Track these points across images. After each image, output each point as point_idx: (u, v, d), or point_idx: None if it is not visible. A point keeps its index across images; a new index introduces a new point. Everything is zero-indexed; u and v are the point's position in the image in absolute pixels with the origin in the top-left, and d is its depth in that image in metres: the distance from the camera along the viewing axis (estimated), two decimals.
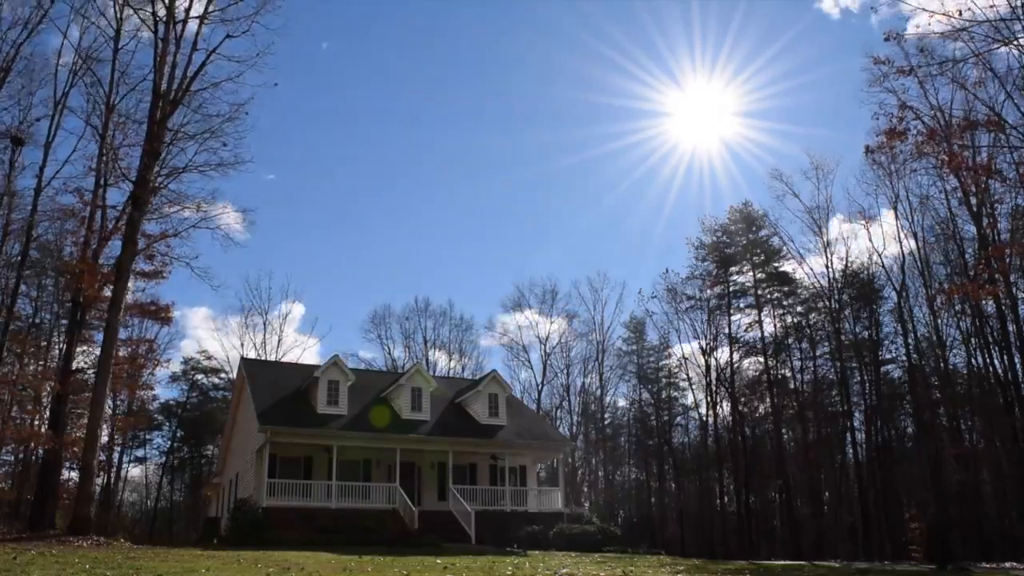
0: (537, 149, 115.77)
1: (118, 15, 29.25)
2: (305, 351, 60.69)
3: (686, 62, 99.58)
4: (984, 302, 38.79)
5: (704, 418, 58.54)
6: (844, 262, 51.12)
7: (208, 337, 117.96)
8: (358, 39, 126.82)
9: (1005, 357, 39.11)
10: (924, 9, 18.45)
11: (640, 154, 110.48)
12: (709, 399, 56.35)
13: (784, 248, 55.46)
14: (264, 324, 59.94)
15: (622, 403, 70.88)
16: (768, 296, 56.87)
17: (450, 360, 65.95)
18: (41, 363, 41.58)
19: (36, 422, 38.60)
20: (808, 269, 56.51)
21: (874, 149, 27.14)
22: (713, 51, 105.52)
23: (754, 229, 57.38)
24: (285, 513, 25.30)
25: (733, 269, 57.70)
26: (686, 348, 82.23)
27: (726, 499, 61.91)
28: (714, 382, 55.86)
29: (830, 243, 50.58)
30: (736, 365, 56.26)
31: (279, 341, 59.88)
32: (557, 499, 32.02)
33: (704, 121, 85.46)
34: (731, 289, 57.44)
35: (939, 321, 45.55)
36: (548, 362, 64.53)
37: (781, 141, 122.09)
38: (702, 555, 41.42)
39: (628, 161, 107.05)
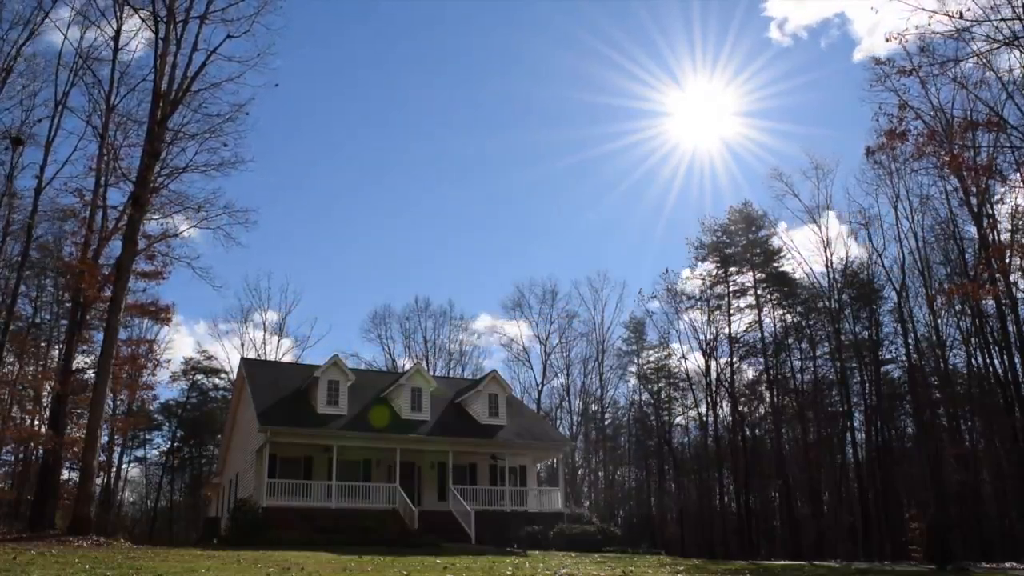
0: (536, 149, 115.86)
1: (119, 15, 29.24)
2: (304, 351, 60.63)
3: (686, 61, 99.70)
4: (984, 302, 38.79)
5: (704, 418, 58.61)
6: (844, 262, 51.23)
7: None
8: (355, 39, 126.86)
9: (1005, 357, 39.11)
10: (924, 9, 18.45)
11: (640, 154, 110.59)
12: (709, 399, 56.42)
13: (784, 248, 55.64)
14: (263, 324, 60.11)
15: (622, 403, 70.96)
16: (768, 296, 56.91)
17: (450, 360, 66.04)
18: (41, 363, 41.58)
19: (36, 422, 38.62)
20: (808, 269, 56.61)
21: (874, 150, 27.15)
22: (714, 50, 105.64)
23: (754, 229, 57.45)
24: (285, 513, 25.30)
25: (733, 269, 57.74)
26: (686, 348, 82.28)
27: (726, 499, 61.91)
28: (714, 382, 55.91)
29: (830, 243, 50.68)
30: (736, 365, 56.37)
31: (279, 341, 59.98)
32: (557, 499, 32.01)
33: (704, 121, 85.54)
34: (731, 289, 57.50)
35: (939, 321, 45.57)
36: (548, 362, 64.60)
37: (782, 141, 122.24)
38: (702, 555, 41.41)
39: (628, 161, 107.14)
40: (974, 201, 36.88)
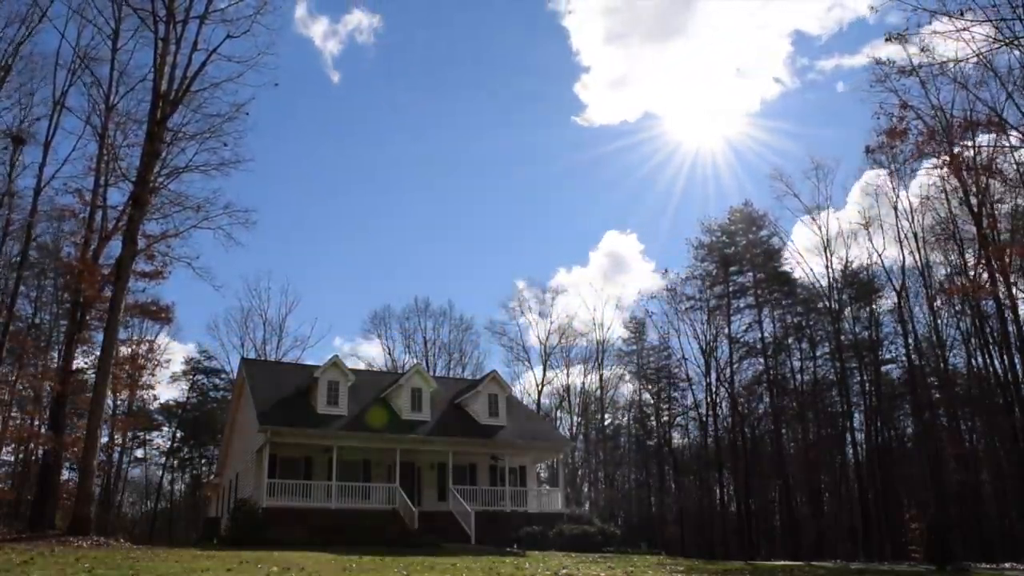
0: (537, 148, 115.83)
1: (116, 14, 29.20)
2: (304, 351, 60.64)
3: (688, 60, 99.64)
4: (984, 302, 38.79)
5: (704, 418, 58.60)
6: (844, 262, 51.19)
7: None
8: (355, 38, 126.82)
9: (1005, 357, 39.10)
10: (925, 9, 18.43)
11: (643, 153, 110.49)
12: (709, 399, 56.42)
13: (784, 248, 55.63)
14: (263, 324, 60.05)
15: (622, 403, 70.92)
16: (768, 296, 56.91)
17: (450, 360, 65.94)
18: (41, 363, 41.53)
19: (36, 422, 38.60)
20: (808, 269, 56.59)
21: (874, 149, 27.12)
22: (717, 49, 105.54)
23: (754, 229, 57.49)
24: (285, 513, 25.29)
25: (733, 269, 57.76)
26: (686, 348, 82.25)
27: (726, 499, 61.91)
28: (714, 382, 55.93)
29: (830, 243, 50.64)
30: (736, 365, 56.35)
31: (279, 341, 59.94)
32: (557, 499, 31.99)
33: (707, 120, 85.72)
34: (731, 289, 57.52)
35: (939, 321, 45.59)
36: (548, 362, 64.56)
37: (785, 140, 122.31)
38: (702, 555, 41.40)
39: (630, 160, 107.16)
40: (974, 201, 36.85)
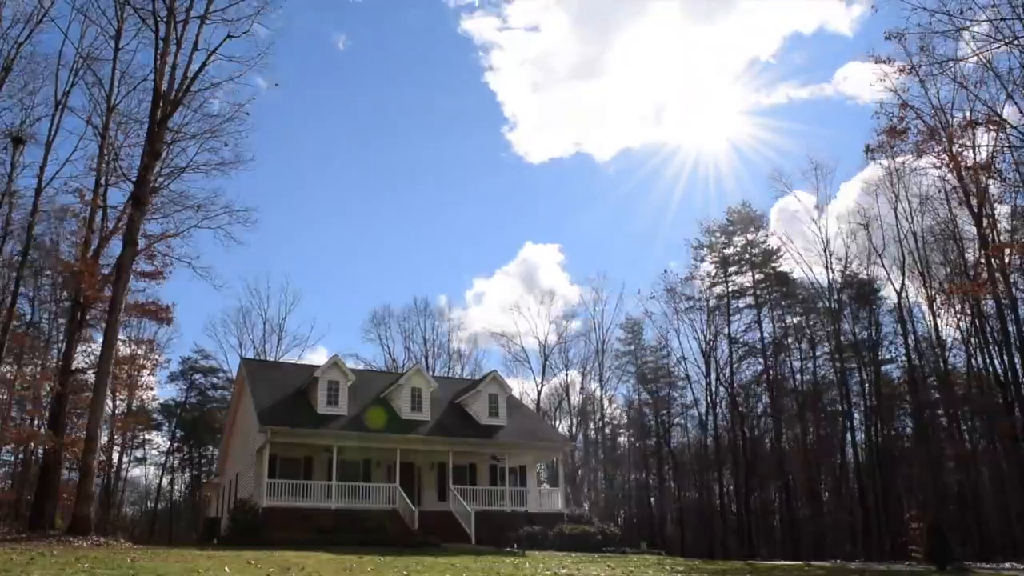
0: (537, 148, 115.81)
1: (119, 14, 29.12)
2: (304, 351, 60.81)
3: (690, 58, 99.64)
4: (984, 302, 38.78)
5: (703, 418, 58.65)
6: (844, 262, 51.21)
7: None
8: (357, 39, 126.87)
9: (1005, 357, 39.07)
10: (925, 8, 18.45)
11: (643, 152, 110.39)
12: (708, 399, 56.48)
13: (783, 248, 55.66)
14: (263, 324, 60.08)
15: (621, 403, 70.99)
16: (767, 296, 56.95)
17: (449, 360, 66.01)
18: (41, 363, 41.51)
19: (36, 422, 38.58)
20: (807, 269, 56.63)
21: (874, 148, 27.16)
22: (718, 47, 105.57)
23: (752, 229, 57.59)
24: (285, 513, 25.30)
25: (732, 269, 57.87)
26: (685, 348, 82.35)
27: (726, 499, 61.93)
28: (713, 382, 55.97)
29: (829, 243, 50.65)
30: (735, 365, 56.40)
31: (278, 341, 59.98)
32: (557, 499, 31.99)
33: (709, 119, 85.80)
34: (730, 289, 57.61)
35: (939, 321, 45.59)
36: (547, 363, 64.58)
37: (786, 140, 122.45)
38: (702, 555, 41.40)
39: (631, 160, 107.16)
40: (974, 201, 36.82)
